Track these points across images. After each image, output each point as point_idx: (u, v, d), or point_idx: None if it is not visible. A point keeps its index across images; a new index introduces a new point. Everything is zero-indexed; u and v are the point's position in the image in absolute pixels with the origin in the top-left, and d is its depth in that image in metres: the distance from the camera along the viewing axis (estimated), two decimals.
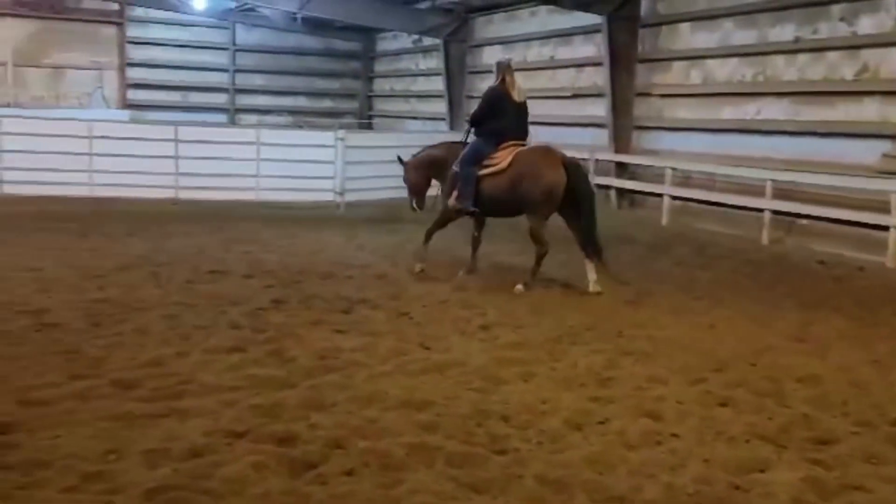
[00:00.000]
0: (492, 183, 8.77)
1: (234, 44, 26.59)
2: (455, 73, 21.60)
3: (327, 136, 15.95)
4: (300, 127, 23.54)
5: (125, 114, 23.50)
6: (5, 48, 23.71)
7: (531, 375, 5.76)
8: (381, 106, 27.70)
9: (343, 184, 15.34)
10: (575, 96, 17.77)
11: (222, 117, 26.39)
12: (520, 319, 7.34)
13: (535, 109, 18.61)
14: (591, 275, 8.55)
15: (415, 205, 9.87)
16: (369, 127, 26.71)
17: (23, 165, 13.86)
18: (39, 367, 5.48)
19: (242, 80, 26.94)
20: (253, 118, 26.52)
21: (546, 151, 8.90)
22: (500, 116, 8.92)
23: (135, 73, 25.56)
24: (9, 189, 13.84)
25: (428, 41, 22.80)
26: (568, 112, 17.93)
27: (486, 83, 21.40)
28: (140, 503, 3.69)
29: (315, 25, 25.77)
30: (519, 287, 8.52)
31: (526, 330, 7.00)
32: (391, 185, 15.57)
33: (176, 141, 15.08)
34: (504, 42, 20.15)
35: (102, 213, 13.19)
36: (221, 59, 26.62)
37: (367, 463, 4.19)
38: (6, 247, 9.99)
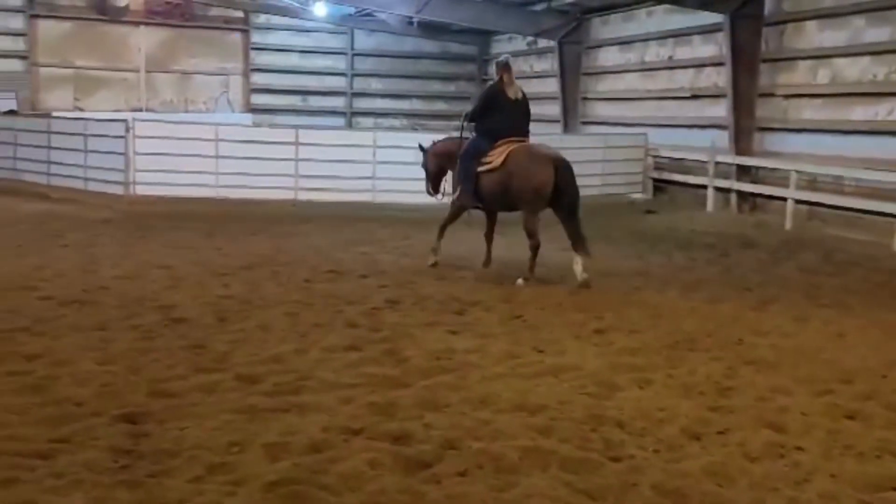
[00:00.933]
0: (489, 179, 9.12)
1: (353, 48, 27.11)
2: (570, 75, 21.38)
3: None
4: (415, 130, 23.80)
5: (249, 117, 24.35)
6: (139, 55, 24.93)
7: (647, 382, 5.65)
8: None
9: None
10: (694, 97, 17.35)
11: (340, 121, 26.96)
12: (636, 324, 7.21)
13: (652, 111, 18.54)
14: (578, 267, 8.81)
15: (430, 190, 10.34)
16: None
17: (154, 167, 14.51)
18: (169, 360, 5.73)
19: (359, 84, 27.44)
20: (369, 121, 26.99)
21: (537, 150, 9.23)
22: (496, 114, 9.22)
23: (258, 78, 26.40)
24: (141, 190, 14.53)
25: (543, 43, 22.66)
26: (686, 113, 17.54)
27: (603, 84, 21.19)
28: (261, 495, 3.80)
29: (431, 29, 26.01)
30: (519, 281, 8.79)
31: (642, 335, 6.87)
32: None
33: (296, 144, 15.51)
34: (621, 43, 19.85)
35: (227, 213, 13.69)
36: (340, 63, 27.20)
37: (481, 465, 4.20)
38: (139, 245, 10.50)
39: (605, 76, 20.94)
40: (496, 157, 9.05)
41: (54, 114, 19.99)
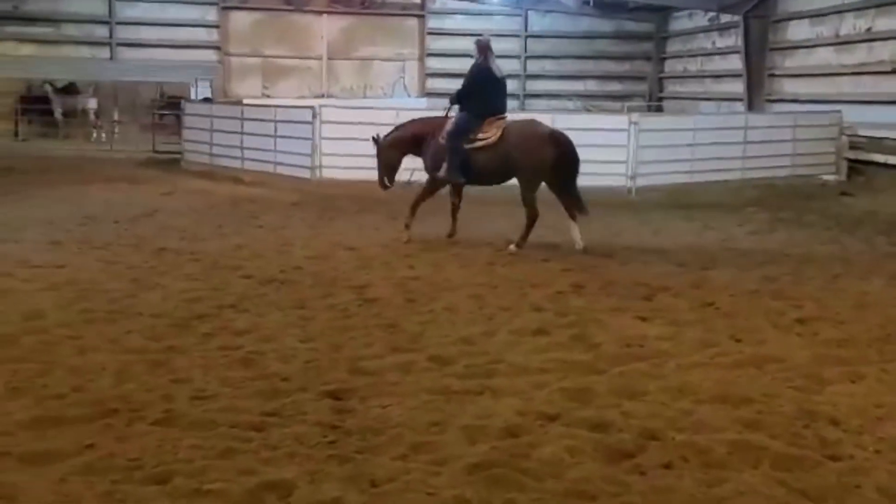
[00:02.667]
0: (482, 155, 9.35)
1: (526, 30, 26.98)
2: (755, 51, 20.36)
3: (621, 120, 15.72)
4: (589, 111, 23.44)
5: (424, 102, 24.74)
6: (321, 43, 25.87)
7: (859, 377, 5.28)
8: (672, 87, 26.86)
9: (635, 168, 15.04)
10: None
11: (513, 103, 26.92)
12: (841, 314, 6.77)
13: (847, 87, 17.34)
14: (576, 234, 9.33)
15: (387, 182, 10.21)
16: (659, 109, 26.02)
17: (338, 152, 15.00)
18: (366, 339, 5.89)
19: (533, 67, 27.29)
20: (542, 104, 26.80)
21: (535, 125, 9.68)
22: (485, 92, 9.54)
23: (433, 63, 26.78)
24: (327, 174, 15.06)
25: (726, 18, 21.71)
26: (887, 89, 16.29)
27: (792, 60, 20.02)
28: (463, 477, 3.82)
29: (607, 7, 25.49)
30: (511, 248, 9.21)
31: (849, 326, 6.43)
32: (684, 170, 15.19)
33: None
34: (813, 15, 18.68)
35: (411, 196, 13.93)
36: (513, 45, 27.11)
37: (686, 457, 4.05)
38: (327, 227, 10.89)
39: (794, 51, 19.79)
40: (490, 133, 9.35)
41: (245, 101, 21.05)
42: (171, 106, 22.86)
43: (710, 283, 7.89)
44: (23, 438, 4.09)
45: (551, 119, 15.95)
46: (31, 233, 9.84)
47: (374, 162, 15.11)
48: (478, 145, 9.39)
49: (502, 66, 10.04)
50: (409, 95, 25.97)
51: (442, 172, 9.61)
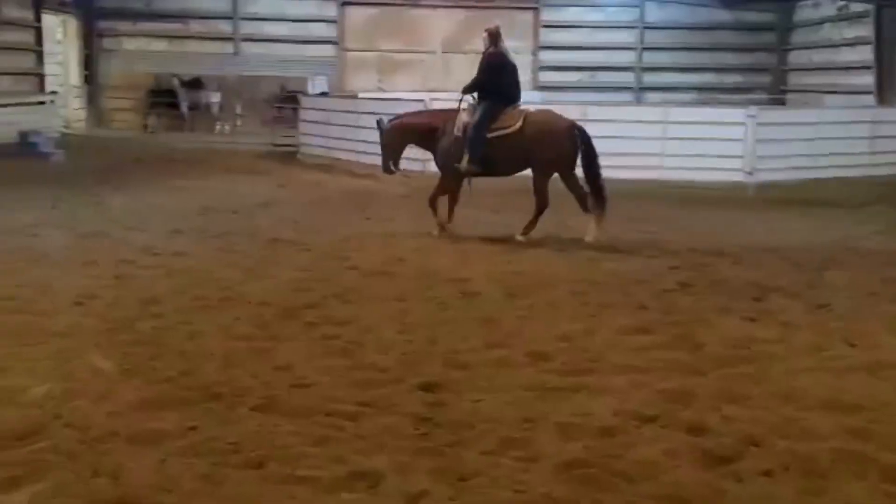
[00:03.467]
0: (503, 143, 9.26)
1: (643, 21, 26.41)
2: (888, 43, 19.33)
3: (737, 114, 15.22)
4: (707, 104, 22.76)
5: (536, 95, 24.58)
6: (436, 38, 26.05)
7: None
8: (795, 80, 25.77)
9: (753, 163, 14.53)
10: None
11: (628, 96, 26.44)
12: None
13: None
14: (592, 226, 9.27)
15: (391, 167, 10.10)
16: (782, 102, 25.02)
17: None
18: (463, 333, 5.90)
19: (649, 59, 26.70)
20: (658, 96, 26.21)
21: (556, 116, 9.70)
22: (503, 80, 9.52)
23: (546, 56, 26.56)
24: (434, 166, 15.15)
25: (857, 7, 20.68)
26: None
27: None
28: (554, 475, 3.78)
29: None
30: (519, 237, 9.28)
31: None
32: (806, 166, 14.58)
33: (583, 120, 15.37)
34: None
35: (521, 189, 13.86)
36: (629, 37, 26.59)
37: (787, 465, 3.89)
38: (431, 220, 10.94)
39: None
40: (511, 121, 9.32)
41: (360, 95, 21.41)
42: (289, 100, 23.50)
43: (825, 284, 7.56)
44: (131, 419, 4.28)
45: (663, 112, 15.69)
46: (155, 222, 10.32)
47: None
48: (498, 134, 9.34)
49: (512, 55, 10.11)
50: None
51: (462, 164, 9.51)
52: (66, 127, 23.59)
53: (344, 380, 4.91)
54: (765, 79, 26.53)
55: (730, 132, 14.73)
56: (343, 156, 17.23)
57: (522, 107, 9.69)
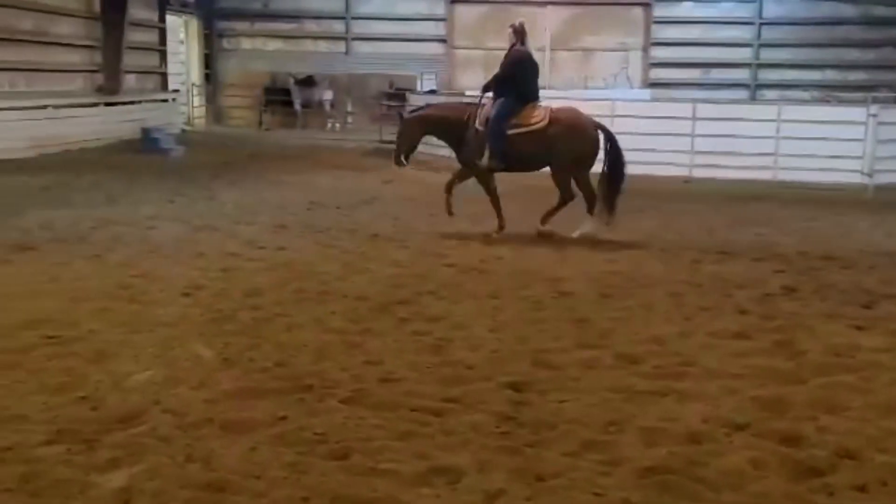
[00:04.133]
0: (526, 140, 9.22)
1: (761, 17, 25.58)
2: None
3: (857, 112, 14.57)
4: (827, 102, 21.86)
5: (647, 93, 24.14)
6: (544, 34, 25.90)
7: None
8: None
9: (873, 164, 13.88)
10: None
11: (742, 93, 25.66)
12: None
13: None
14: (587, 225, 9.33)
15: (402, 160, 9.93)
16: None
17: None
18: (554, 332, 5.87)
19: (766, 55, 25.84)
20: (774, 94, 25.33)
21: (580, 114, 9.60)
22: (527, 77, 9.44)
23: (658, 53, 26.06)
24: None
25: None
26: None
27: None
28: (635, 480, 3.73)
29: None
30: (546, 228, 9.39)
31: None
32: None
33: (693, 119, 15.06)
34: None
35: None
36: (745, 33, 25.82)
37: (885, 481, 3.72)
38: (535, 218, 10.91)
39: None
40: (536, 118, 9.27)
41: (467, 92, 21.49)
42: (397, 97, 23.83)
43: None
44: (226, 407, 4.45)
45: (777, 111, 15.16)
46: (263, 216, 10.66)
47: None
48: (522, 131, 9.28)
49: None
50: (631, 86, 25.45)
51: (484, 160, 9.43)
52: (186, 124, 24.64)
53: (431, 376, 4.97)
54: (892, 76, 25.27)
55: (848, 132, 14.15)
56: (448, 153, 17.29)
57: (544, 104, 9.62)
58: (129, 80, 21.33)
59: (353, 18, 26.26)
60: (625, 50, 26.08)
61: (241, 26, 26.89)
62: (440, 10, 26.27)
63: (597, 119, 9.77)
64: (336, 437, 4.08)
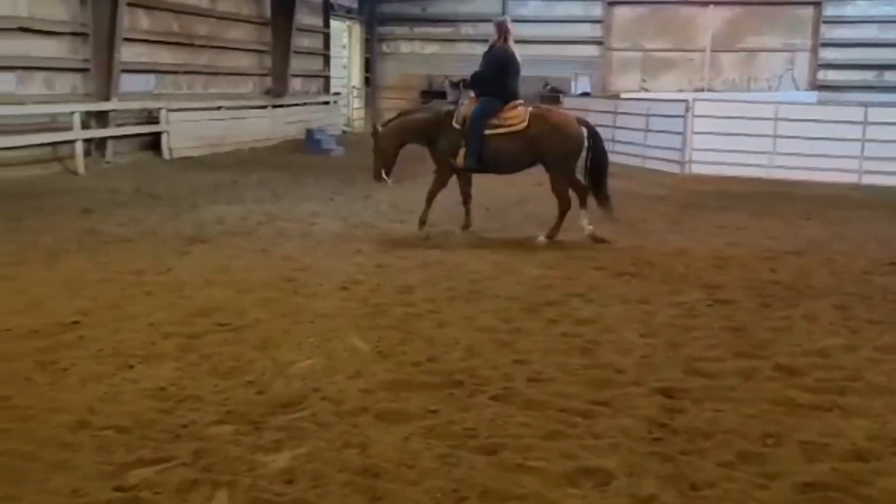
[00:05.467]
0: (506, 141, 8.96)
1: None
2: None
3: None
4: None
5: (813, 95, 23.04)
6: (705, 35, 25.20)
7: None
8: None
9: None
10: None
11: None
12: None
13: None
14: (586, 221, 9.19)
15: (385, 176, 9.49)
16: None
17: (710, 147, 14.60)
18: (709, 340, 5.73)
19: None
20: None
21: (561, 113, 9.54)
22: (507, 76, 9.09)
23: (827, 54, 24.80)
24: (696, 169, 14.75)
25: None
26: None
27: None
28: (793, 495, 3.60)
29: None
30: (541, 239, 9.11)
31: None
32: None
33: (864, 123, 14.27)
34: None
35: (780, 194, 13.22)
36: None
37: None
38: (686, 223, 10.68)
39: None
40: (515, 119, 8.99)
41: (622, 95, 21.23)
42: (549, 100, 23.78)
43: None
44: (381, 397, 4.61)
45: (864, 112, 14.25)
46: (415, 215, 10.85)
47: (745, 158, 14.64)
48: (502, 131, 8.99)
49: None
50: (797, 88, 24.34)
51: (459, 160, 9.11)
52: (346, 125, 25.50)
53: (580, 377, 4.96)
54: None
55: None
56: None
57: (521, 104, 9.22)
58: (295, 84, 22.30)
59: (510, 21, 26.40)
60: (791, 51, 24.97)
61: (400, 31, 27.58)
62: (597, 11, 26.01)
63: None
64: (486, 433, 4.15)
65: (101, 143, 15.06)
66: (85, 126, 14.36)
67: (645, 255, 8.55)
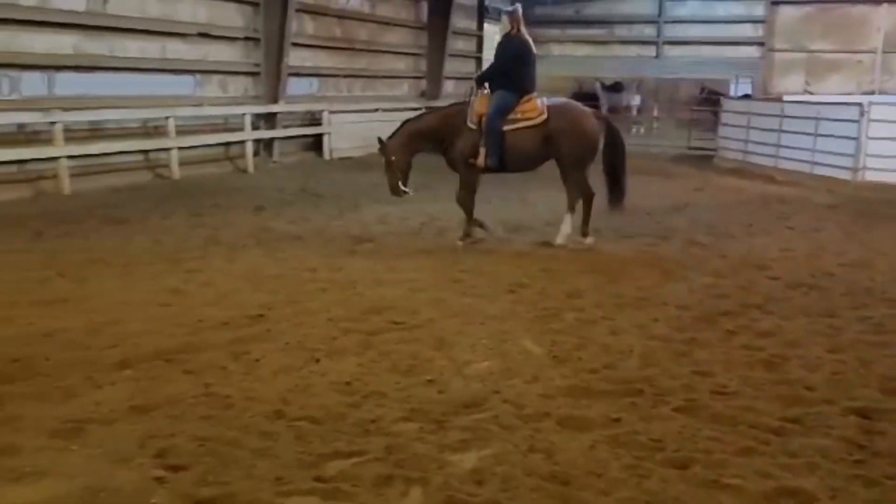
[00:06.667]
0: (523, 136, 8.58)
1: None
2: None
3: None
4: None
5: None
6: (877, 35, 23.84)
7: None
8: None
9: None
10: None
11: None
12: None
13: None
14: (567, 226, 8.92)
15: (402, 188, 8.87)
16: None
17: (887, 153, 13.80)
18: None
19: None
20: None
21: (580, 106, 9.12)
22: (523, 68, 8.71)
23: None
24: (871, 176, 13.97)
25: None
26: None
27: None
28: None
29: None
30: (588, 240, 8.87)
31: None
32: None
33: None
34: None
35: None
36: None
37: None
38: (864, 233, 10.12)
39: None
40: (534, 112, 8.63)
41: (785, 98, 20.38)
42: (707, 102, 23.13)
43: None
44: (561, 403, 4.59)
45: None
46: (576, 219, 10.81)
47: None
48: (519, 126, 8.59)
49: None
50: None
51: (480, 160, 8.61)
52: None
53: (767, 393, 4.78)
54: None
55: None
56: (763, 161, 16.55)
57: (537, 97, 8.80)
58: (448, 86, 22.60)
59: (666, 22, 25.83)
60: None
61: (552, 32, 27.47)
62: (759, 11, 25.07)
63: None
64: (673, 446, 4.07)
65: (268, 143, 15.75)
66: (255, 127, 15.06)
67: (822, 266, 8.17)
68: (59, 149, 11.22)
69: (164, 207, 10.62)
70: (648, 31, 26.19)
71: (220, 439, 4.01)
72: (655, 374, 5.08)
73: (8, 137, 10.96)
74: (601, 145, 8.92)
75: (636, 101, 25.33)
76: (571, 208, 8.97)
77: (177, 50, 13.64)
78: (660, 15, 25.81)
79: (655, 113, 25.54)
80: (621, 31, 26.51)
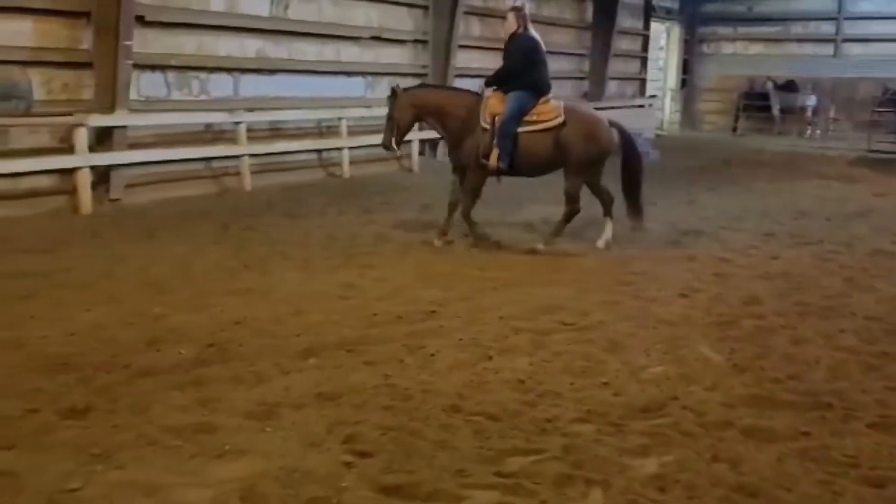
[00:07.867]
0: (537, 140, 8.27)
1: None
2: None
3: None
4: None
5: None
6: None
7: None
8: None
9: None
10: None
11: None
12: None
13: None
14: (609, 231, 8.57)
15: (394, 145, 8.56)
16: None
17: None
18: None
19: None
20: None
21: (594, 111, 9.04)
22: (540, 67, 8.43)
23: None
24: None
25: None
26: None
27: None
28: None
29: None
30: (539, 246, 8.39)
31: None
32: None
33: None
34: None
35: None
36: None
37: None
38: None
39: None
40: (550, 115, 8.26)
41: None
42: (890, 103, 21.74)
43: None
44: (743, 413, 4.44)
45: None
46: (747, 222, 10.45)
47: None
48: (534, 129, 8.24)
49: None
50: None
51: (493, 160, 8.21)
52: (660, 128, 25.05)
53: None
54: None
55: None
56: None
57: (553, 98, 8.49)
58: (611, 87, 22.27)
59: (846, 19, 24.43)
60: None
61: (723, 31, 26.58)
62: None
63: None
64: (869, 464, 3.85)
65: (433, 143, 16.04)
66: (420, 128, 15.34)
67: None
68: (243, 147, 11.85)
69: (338, 205, 11.00)
70: (826, 28, 24.82)
71: (402, 429, 4.12)
72: (845, 387, 4.84)
73: (197, 136, 11.67)
74: (608, 154, 8.56)
75: (812, 101, 24.06)
76: (608, 213, 8.71)
77: (350, 53, 14.11)
78: (839, 11, 24.42)
79: (832, 114, 24.21)
80: (796, 29, 25.25)
